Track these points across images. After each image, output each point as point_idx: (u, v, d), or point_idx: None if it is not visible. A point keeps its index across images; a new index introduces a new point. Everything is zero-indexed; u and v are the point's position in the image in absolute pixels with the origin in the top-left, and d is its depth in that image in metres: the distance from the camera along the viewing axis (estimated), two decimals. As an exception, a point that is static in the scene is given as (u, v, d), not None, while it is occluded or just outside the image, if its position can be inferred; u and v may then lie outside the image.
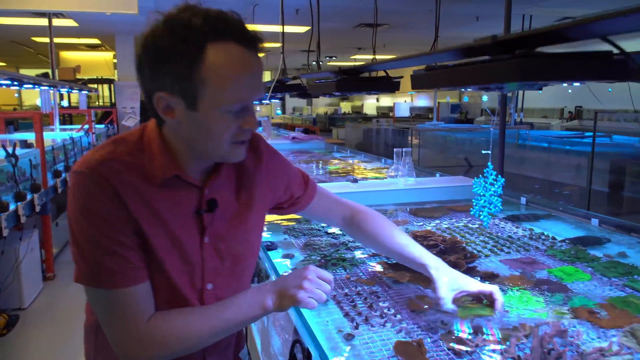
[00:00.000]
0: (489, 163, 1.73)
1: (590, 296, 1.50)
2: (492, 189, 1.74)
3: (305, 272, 1.05)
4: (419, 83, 1.33)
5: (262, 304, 1.03)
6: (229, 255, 1.07)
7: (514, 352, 1.22)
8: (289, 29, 8.69)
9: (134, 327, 0.96)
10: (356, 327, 1.28)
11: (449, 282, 1.23)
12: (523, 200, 2.68)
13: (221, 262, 1.06)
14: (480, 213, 1.85)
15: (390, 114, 14.11)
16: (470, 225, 2.27)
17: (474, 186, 1.81)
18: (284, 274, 1.07)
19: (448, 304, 1.22)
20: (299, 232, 2.21)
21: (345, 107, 17.30)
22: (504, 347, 1.22)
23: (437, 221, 2.36)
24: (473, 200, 1.87)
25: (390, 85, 2.15)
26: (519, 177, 5.58)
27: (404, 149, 3.00)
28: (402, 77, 2.15)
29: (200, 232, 1.03)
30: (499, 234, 2.13)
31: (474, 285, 1.26)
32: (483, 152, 1.89)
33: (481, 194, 1.78)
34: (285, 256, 1.89)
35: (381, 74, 2.23)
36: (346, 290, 1.54)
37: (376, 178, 3.45)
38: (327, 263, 1.78)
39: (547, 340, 1.28)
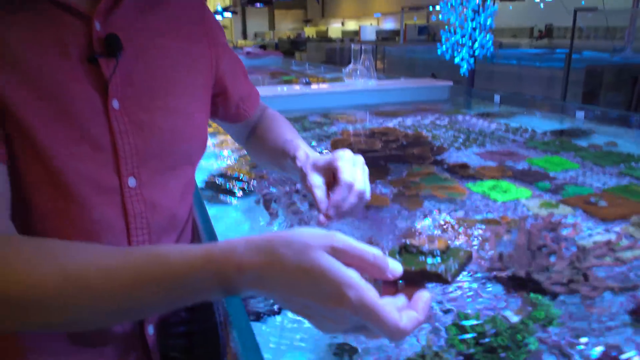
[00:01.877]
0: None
1: (583, 185, 1.21)
2: (477, 20, 1.32)
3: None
4: None
5: (219, 277, 0.44)
6: (156, 129, 0.67)
7: (494, 248, 0.93)
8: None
9: None
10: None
11: (312, 161, 0.69)
12: (497, 98, 2.36)
13: (144, 141, 0.66)
14: (454, 54, 1.30)
15: (356, 38, 13.52)
16: (438, 122, 1.95)
17: (442, 11, 1.27)
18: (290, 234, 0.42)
19: (314, 181, 0.65)
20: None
21: (310, 31, 16.48)
22: (476, 246, 0.93)
23: (400, 119, 2.03)
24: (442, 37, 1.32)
25: None
26: (489, 91, 5.33)
27: (362, 46, 2.62)
28: None
29: (102, 92, 0.62)
30: (470, 128, 1.82)
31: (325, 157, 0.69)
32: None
33: (453, 23, 1.26)
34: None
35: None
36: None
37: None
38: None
39: (536, 235, 1.00)
